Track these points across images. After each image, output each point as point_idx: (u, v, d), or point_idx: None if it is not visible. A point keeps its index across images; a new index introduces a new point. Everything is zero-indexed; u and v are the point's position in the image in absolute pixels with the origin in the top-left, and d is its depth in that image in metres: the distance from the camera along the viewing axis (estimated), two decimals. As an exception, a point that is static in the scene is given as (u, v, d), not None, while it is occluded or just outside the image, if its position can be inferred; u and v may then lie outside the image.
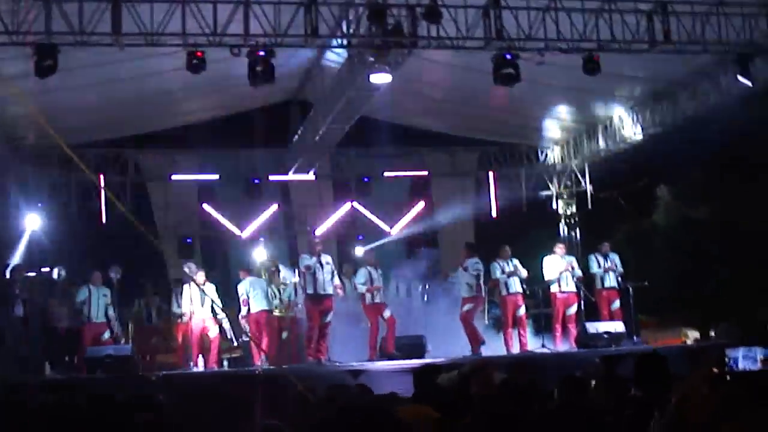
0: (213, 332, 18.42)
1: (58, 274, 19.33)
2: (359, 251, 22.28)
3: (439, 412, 6.75)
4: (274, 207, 24.66)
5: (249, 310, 18.61)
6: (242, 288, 18.85)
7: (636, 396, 6.98)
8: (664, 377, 6.87)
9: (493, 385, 7.66)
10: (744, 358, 15.96)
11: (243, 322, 18.76)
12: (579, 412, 6.30)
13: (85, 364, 17.09)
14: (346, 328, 18.78)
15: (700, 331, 21.44)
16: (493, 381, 7.96)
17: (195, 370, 18.21)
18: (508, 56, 16.42)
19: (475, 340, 18.07)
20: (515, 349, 18.49)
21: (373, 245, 23.37)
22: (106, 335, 18.83)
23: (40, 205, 22.04)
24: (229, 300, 19.30)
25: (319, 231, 24.26)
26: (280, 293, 18.99)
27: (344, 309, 18.74)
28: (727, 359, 16.01)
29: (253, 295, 18.67)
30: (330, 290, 17.44)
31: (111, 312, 18.88)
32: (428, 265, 21.97)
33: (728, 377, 8.06)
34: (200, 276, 18.66)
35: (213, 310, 18.34)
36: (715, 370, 12.52)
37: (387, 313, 18.23)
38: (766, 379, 6.38)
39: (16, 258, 20.66)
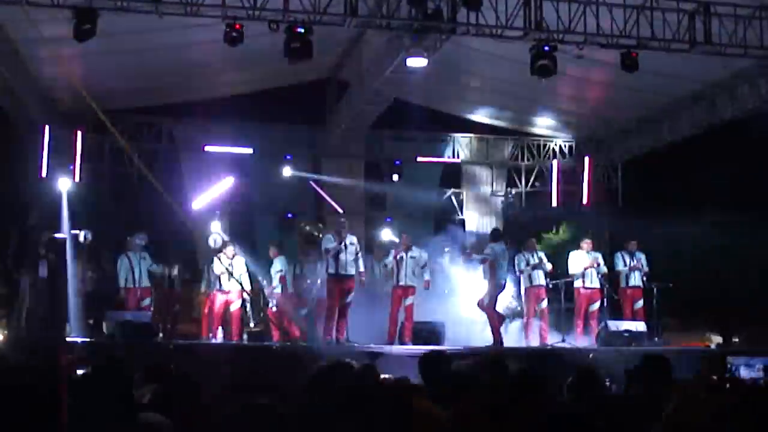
0: (235, 306, 18.49)
1: (84, 237, 19.43)
2: (386, 233, 22.20)
3: (447, 399, 6.73)
4: (305, 184, 24.65)
5: (283, 287, 18.81)
6: (279, 264, 19.01)
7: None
8: (665, 379, 6.85)
9: (505, 376, 7.63)
10: (746, 367, 15.87)
11: (273, 296, 18.90)
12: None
13: (105, 328, 17.17)
14: (370, 310, 18.75)
15: (723, 336, 21.33)
16: (507, 371, 7.92)
17: (213, 341, 18.29)
18: (546, 48, 16.35)
19: (496, 329, 17.96)
20: (534, 342, 18.44)
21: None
22: (147, 301, 18.95)
23: (71, 167, 22.13)
24: (253, 275, 19.39)
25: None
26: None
27: (371, 292, 18.77)
28: (729, 366, 15.91)
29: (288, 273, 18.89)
30: (352, 271, 17.34)
31: (156, 270, 19.07)
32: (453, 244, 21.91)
33: (728, 385, 8.00)
34: (229, 249, 18.74)
35: (240, 284, 18.41)
36: (715, 377, 12.43)
37: (408, 301, 18.18)
38: (764, 390, 6.36)
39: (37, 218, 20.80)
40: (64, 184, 21.01)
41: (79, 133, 22.54)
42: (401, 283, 18.20)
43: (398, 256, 18.32)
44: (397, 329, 18.00)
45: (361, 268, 17.63)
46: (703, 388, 5.88)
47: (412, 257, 18.42)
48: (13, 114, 20.58)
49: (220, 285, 18.50)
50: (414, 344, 17.09)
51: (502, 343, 17.73)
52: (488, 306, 18.03)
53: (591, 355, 12.23)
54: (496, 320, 18.06)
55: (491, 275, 18.06)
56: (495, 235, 19.00)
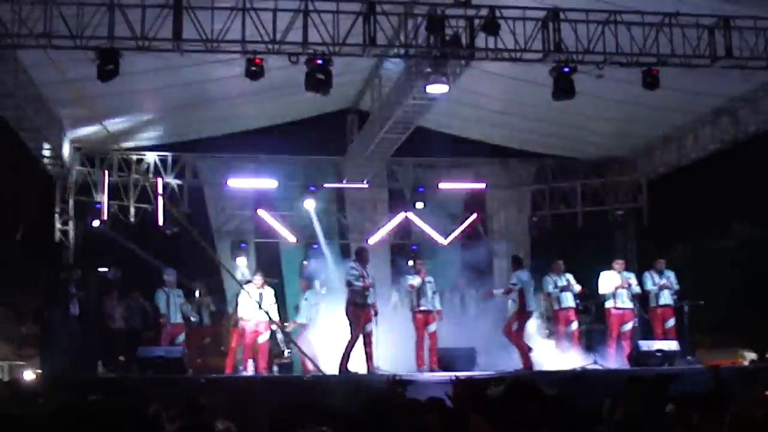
0: (263, 337, 18.52)
1: (114, 275, 19.56)
2: (411, 261, 22.21)
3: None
4: (329, 214, 24.69)
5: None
6: (313, 298, 19.13)
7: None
8: (724, 397, 6.79)
9: (534, 400, 7.58)
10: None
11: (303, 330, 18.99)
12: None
13: (137, 364, 17.22)
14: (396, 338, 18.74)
15: (757, 352, 21.17)
16: (536, 395, 7.87)
17: (244, 374, 18.29)
18: (566, 69, 16.36)
19: (524, 353, 17.89)
20: (565, 364, 18.35)
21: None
22: (181, 338, 19.04)
23: (98, 206, 22.27)
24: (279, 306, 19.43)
25: (373, 240, 24.27)
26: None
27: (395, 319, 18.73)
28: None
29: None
30: (435, 306, 18.16)
31: (187, 310, 19.17)
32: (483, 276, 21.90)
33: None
34: (258, 279, 18.81)
35: (268, 315, 18.44)
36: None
37: (431, 328, 18.14)
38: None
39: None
40: (92, 224, 21.16)
41: (106, 173, 22.67)
42: (422, 307, 18.18)
43: (417, 282, 18.34)
44: (424, 355, 17.96)
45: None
46: (758, 406, 5.75)
47: (428, 282, 18.47)
48: (40, 156, 20.72)
49: (248, 317, 18.52)
50: (444, 370, 17.02)
51: (532, 367, 17.65)
52: (516, 333, 17.96)
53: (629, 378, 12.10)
54: (525, 346, 18.00)
55: (519, 302, 18.01)
56: (518, 262, 18.95)
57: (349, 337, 16.86)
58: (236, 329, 19.01)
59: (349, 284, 16.97)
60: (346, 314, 17.01)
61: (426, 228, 24.98)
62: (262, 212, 24.11)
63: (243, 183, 24.28)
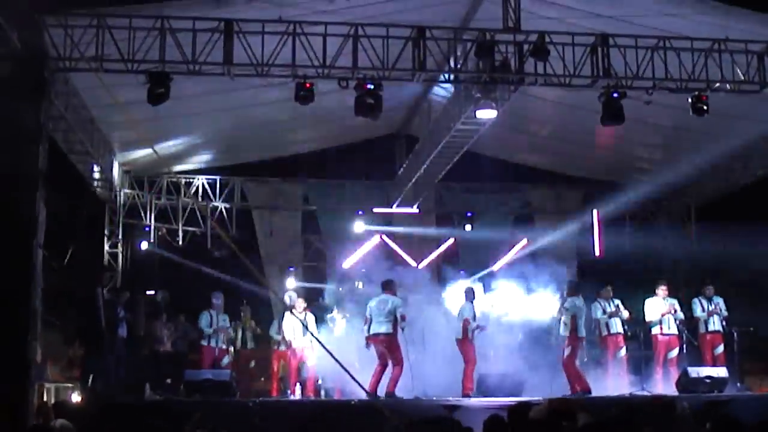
0: (311, 361, 18.53)
1: (162, 298, 19.68)
2: (462, 285, 22.16)
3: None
4: (377, 239, 24.72)
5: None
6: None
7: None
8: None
9: (575, 425, 7.60)
10: None
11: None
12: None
13: (185, 387, 17.27)
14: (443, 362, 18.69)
15: (807, 380, 20.96)
16: (577, 420, 7.89)
17: (292, 398, 18.31)
18: (615, 94, 16.33)
19: (580, 384, 17.66)
20: (614, 391, 18.22)
21: (476, 276, 23.20)
22: (226, 360, 19.09)
23: (146, 228, 22.47)
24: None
25: (422, 265, 24.28)
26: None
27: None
28: None
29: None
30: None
31: (229, 335, 19.25)
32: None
33: None
34: (300, 304, 18.82)
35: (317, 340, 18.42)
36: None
37: (472, 356, 18.08)
38: None
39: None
40: (141, 246, 21.33)
41: (154, 196, 22.87)
42: (469, 336, 18.14)
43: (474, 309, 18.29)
44: (473, 381, 17.87)
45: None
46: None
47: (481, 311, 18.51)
48: (89, 179, 20.94)
49: (293, 341, 18.54)
50: (494, 396, 16.94)
51: (588, 391, 17.43)
52: (568, 359, 17.81)
53: (686, 404, 12.03)
54: (576, 372, 17.81)
55: (573, 328, 17.86)
56: (573, 288, 18.76)
57: (398, 366, 16.77)
58: (277, 353, 19.04)
59: (403, 318, 16.81)
60: (386, 344, 16.84)
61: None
62: (310, 237, 24.22)
63: (291, 207, 24.38)
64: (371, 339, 16.75)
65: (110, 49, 14.99)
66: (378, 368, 16.72)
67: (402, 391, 16.75)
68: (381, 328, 16.70)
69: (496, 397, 16.48)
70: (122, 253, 22.59)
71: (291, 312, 18.52)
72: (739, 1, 16.63)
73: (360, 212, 24.34)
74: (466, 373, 17.80)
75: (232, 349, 19.80)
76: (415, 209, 24.48)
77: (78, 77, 16.42)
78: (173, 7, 15.29)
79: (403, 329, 16.71)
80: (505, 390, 17.20)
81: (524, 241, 25.25)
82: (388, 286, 17.15)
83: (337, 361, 15.80)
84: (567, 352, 17.70)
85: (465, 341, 18.03)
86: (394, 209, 24.48)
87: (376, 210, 24.74)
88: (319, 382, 19.10)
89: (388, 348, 16.66)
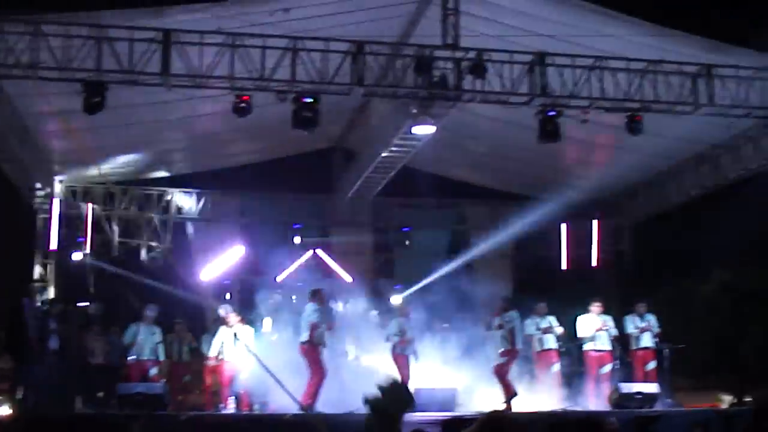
0: (244, 374, 18.39)
1: (95, 310, 19.47)
2: (395, 300, 22.23)
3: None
4: (310, 252, 24.71)
5: None
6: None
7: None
8: None
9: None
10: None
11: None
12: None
13: (117, 400, 17.09)
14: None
15: (735, 395, 21.19)
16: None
17: (225, 411, 18.18)
18: (552, 113, 16.48)
19: (508, 394, 17.88)
20: (547, 406, 18.33)
21: (407, 291, 23.29)
22: (153, 371, 18.83)
23: (81, 239, 22.24)
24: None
25: (357, 277, 24.29)
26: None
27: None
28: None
29: None
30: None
31: (160, 350, 18.96)
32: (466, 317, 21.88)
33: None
34: (233, 318, 18.70)
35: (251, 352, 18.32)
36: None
37: (406, 371, 18.11)
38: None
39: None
40: (74, 257, 21.10)
41: (90, 206, 22.65)
42: (406, 351, 18.18)
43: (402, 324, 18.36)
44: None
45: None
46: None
47: (411, 327, 18.51)
48: (23, 188, 20.70)
49: (226, 355, 18.41)
50: (426, 410, 16.94)
51: (515, 395, 17.61)
52: (500, 368, 17.92)
53: (614, 419, 12.13)
54: (510, 386, 17.95)
55: (510, 342, 17.97)
56: (509, 302, 18.92)
57: (312, 375, 16.70)
58: (209, 367, 18.90)
59: (314, 327, 16.77)
60: (306, 353, 16.82)
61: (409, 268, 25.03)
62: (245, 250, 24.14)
63: (227, 219, 24.30)
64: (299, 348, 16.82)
65: (46, 56, 14.85)
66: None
67: (335, 405, 16.75)
68: (301, 337, 16.78)
69: (429, 412, 16.51)
70: (55, 264, 22.32)
71: (224, 325, 18.41)
72: (675, 23, 16.88)
73: (296, 225, 24.31)
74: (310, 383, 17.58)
75: (162, 358, 19.54)
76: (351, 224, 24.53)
77: (12, 84, 16.23)
78: (110, 16, 15.17)
79: (317, 339, 16.72)
80: (438, 404, 17.23)
81: (458, 257, 25.35)
82: (313, 296, 17.18)
83: (271, 374, 15.76)
84: (501, 361, 17.82)
85: (395, 356, 18.07)
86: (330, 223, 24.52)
87: (311, 223, 24.72)
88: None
89: (304, 356, 16.68)
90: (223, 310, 19.21)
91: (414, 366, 18.40)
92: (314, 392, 16.46)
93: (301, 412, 15.83)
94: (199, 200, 24.59)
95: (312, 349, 16.70)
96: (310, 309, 16.93)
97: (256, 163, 24.23)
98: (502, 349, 18.15)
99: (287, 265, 24.29)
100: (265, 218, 24.54)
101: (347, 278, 23.97)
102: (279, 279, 23.98)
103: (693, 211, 23.02)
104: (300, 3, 15.92)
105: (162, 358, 18.99)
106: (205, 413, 18.06)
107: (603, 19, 16.58)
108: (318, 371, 16.63)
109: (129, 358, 18.65)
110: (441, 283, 24.18)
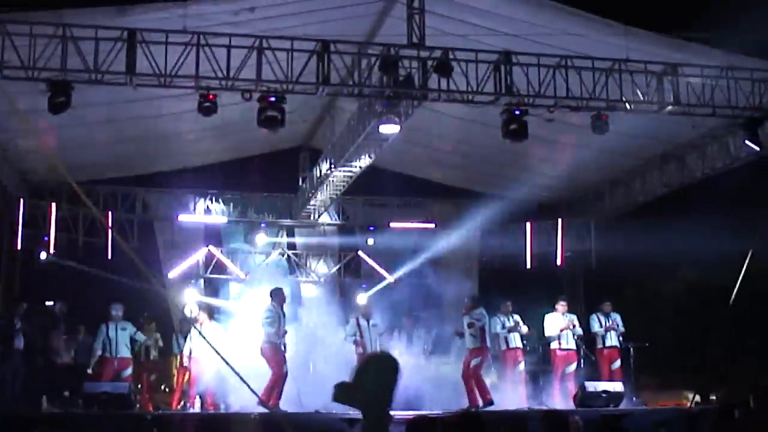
0: (209, 373, 18.33)
1: (60, 309, 19.36)
2: (361, 299, 22.24)
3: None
4: (278, 251, 24.72)
5: None
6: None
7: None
8: None
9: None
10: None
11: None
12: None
13: (83, 399, 17.01)
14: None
15: (700, 394, 21.34)
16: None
17: (191, 411, 18.13)
18: (517, 112, 16.52)
19: (483, 395, 17.76)
20: (512, 405, 18.38)
21: (372, 290, 23.36)
22: (127, 372, 18.68)
23: (45, 238, 22.13)
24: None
25: (323, 277, 24.32)
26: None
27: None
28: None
29: None
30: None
31: (140, 338, 18.91)
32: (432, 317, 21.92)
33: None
34: (202, 316, 18.67)
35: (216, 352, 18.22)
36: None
37: None
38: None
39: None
40: (39, 256, 20.97)
41: (54, 205, 22.53)
42: (368, 350, 18.16)
43: (360, 324, 18.35)
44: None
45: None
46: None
47: (373, 325, 18.49)
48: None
49: (195, 354, 18.35)
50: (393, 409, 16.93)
51: (491, 403, 17.56)
52: (475, 369, 17.89)
53: (577, 417, 12.22)
54: (484, 384, 17.93)
55: (481, 340, 17.96)
56: (477, 300, 18.91)
57: (272, 375, 16.70)
58: (182, 367, 18.86)
59: (272, 325, 16.77)
60: (264, 353, 16.84)
61: (375, 266, 25.06)
62: (213, 248, 24.11)
63: (193, 219, 24.24)
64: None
65: (10, 55, 14.75)
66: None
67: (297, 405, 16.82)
68: (262, 336, 16.79)
69: (394, 411, 16.49)
70: (20, 263, 22.19)
71: (192, 324, 18.37)
72: (640, 22, 16.96)
73: (263, 224, 24.29)
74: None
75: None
76: (317, 222, 24.56)
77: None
78: (75, 15, 15.08)
79: (274, 338, 16.74)
80: (403, 403, 17.24)
81: (425, 256, 25.41)
82: (273, 295, 17.22)
83: (237, 374, 15.73)
84: (474, 362, 17.77)
85: (358, 357, 18.07)
86: (297, 221, 24.49)
87: (278, 222, 24.71)
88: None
89: (263, 356, 16.70)
90: (189, 310, 19.18)
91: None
92: (275, 392, 16.47)
93: (267, 411, 15.82)
94: (162, 199, 24.54)
95: (270, 349, 16.73)
96: (269, 308, 16.95)
97: (222, 162, 24.19)
98: (472, 347, 18.11)
99: (253, 264, 24.33)
100: (232, 217, 24.50)
101: (314, 277, 24.01)
102: (245, 277, 24.02)
103: (658, 210, 23.13)
104: (265, 2, 15.90)
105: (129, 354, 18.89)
106: (172, 412, 18.02)
107: (568, 18, 16.62)
108: (277, 370, 16.64)
109: (106, 355, 18.54)
110: (407, 281, 24.31)
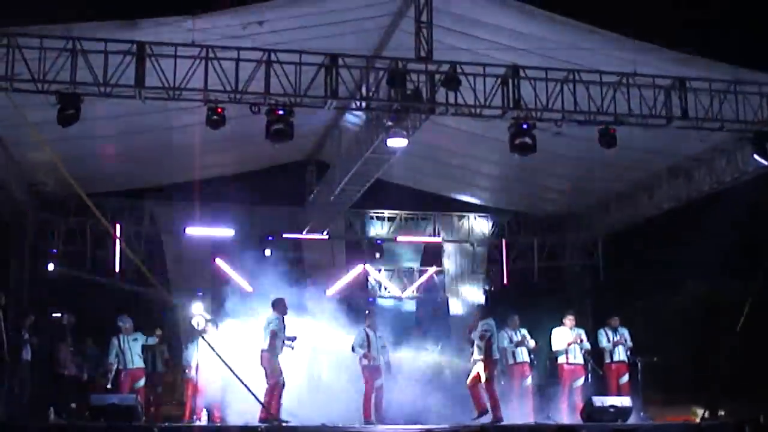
0: (216, 386, 18.34)
1: (68, 321, 19.38)
2: (368, 311, 22.21)
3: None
4: (285, 264, 24.69)
5: None
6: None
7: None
8: None
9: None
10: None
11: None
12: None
13: (89, 411, 17.01)
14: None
15: (709, 409, 21.28)
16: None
17: (197, 423, 18.14)
18: (525, 126, 16.52)
19: (494, 411, 17.65)
20: (519, 419, 18.33)
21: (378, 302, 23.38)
22: (142, 382, 18.73)
23: (54, 251, 22.17)
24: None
25: (331, 291, 24.29)
26: None
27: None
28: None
29: None
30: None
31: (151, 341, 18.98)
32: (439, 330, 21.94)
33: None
34: (211, 329, 18.69)
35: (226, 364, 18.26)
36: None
37: (379, 382, 18.08)
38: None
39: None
40: (47, 268, 21.01)
41: (63, 217, 22.58)
42: (373, 363, 18.16)
43: (369, 335, 18.34)
44: (372, 407, 17.87)
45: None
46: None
47: (379, 337, 18.48)
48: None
49: (203, 366, 18.36)
50: (396, 423, 16.98)
51: (500, 420, 17.46)
52: (486, 382, 17.80)
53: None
54: (497, 396, 17.83)
55: (488, 352, 17.89)
56: (485, 312, 18.86)
57: (271, 385, 16.74)
58: (190, 379, 18.88)
59: (274, 335, 16.86)
60: (262, 361, 16.90)
61: (383, 280, 25.07)
62: (219, 261, 24.11)
63: (201, 231, 24.25)
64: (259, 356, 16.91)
65: (21, 68, 14.81)
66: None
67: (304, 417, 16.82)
68: (261, 345, 16.87)
69: (398, 425, 16.55)
70: (28, 275, 22.22)
71: (201, 336, 18.37)
72: (648, 37, 16.96)
73: (270, 238, 24.30)
74: (365, 399, 17.71)
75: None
76: (324, 236, 24.52)
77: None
78: (85, 28, 15.13)
79: (276, 348, 16.80)
80: (407, 417, 17.27)
81: (433, 270, 25.44)
82: (274, 305, 17.27)
83: (245, 386, 15.75)
84: (484, 375, 17.65)
85: (363, 367, 18.08)
86: (304, 235, 24.46)
87: (286, 235, 24.70)
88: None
89: (263, 365, 16.74)
90: (197, 323, 19.18)
91: (386, 377, 18.36)
92: (275, 402, 16.51)
93: (274, 423, 15.82)
94: (170, 212, 24.54)
95: (267, 358, 16.78)
96: (270, 318, 17.02)
97: (230, 175, 24.22)
98: (477, 360, 18.05)
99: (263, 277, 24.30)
100: (239, 230, 24.51)
101: (321, 289, 24.00)
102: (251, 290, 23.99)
103: (666, 223, 23.10)
104: (273, 16, 15.92)
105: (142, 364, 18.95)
106: (179, 425, 18.02)
107: (575, 32, 16.64)
108: (274, 380, 16.69)
109: (119, 367, 18.59)
110: (413, 294, 24.34)
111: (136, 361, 18.69)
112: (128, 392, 18.02)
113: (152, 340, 19.10)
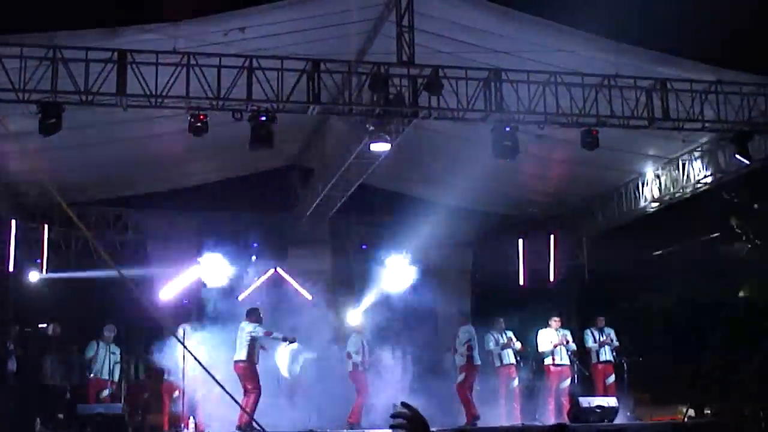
0: (202, 394, 18.28)
1: (53, 331, 19.33)
2: (354, 317, 22.22)
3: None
4: (271, 271, 24.64)
5: None
6: None
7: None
8: None
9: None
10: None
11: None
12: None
13: (76, 421, 16.98)
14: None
15: (695, 409, 21.34)
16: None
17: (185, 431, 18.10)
18: (507, 129, 16.55)
19: (469, 412, 17.90)
20: (507, 421, 18.40)
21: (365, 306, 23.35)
22: (106, 392, 18.72)
23: (38, 261, 22.10)
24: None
25: (317, 296, 24.25)
26: None
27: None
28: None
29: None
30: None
31: (117, 371, 18.90)
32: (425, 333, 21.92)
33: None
34: (196, 337, 18.63)
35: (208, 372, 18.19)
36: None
37: (364, 389, 18.17)
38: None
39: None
40: (31, 278, 20.93)
41: (46, 226, 22.51)
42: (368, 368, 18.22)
43: (363, 341, 18.42)
44: (361, 412, 17.93)
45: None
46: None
47: (367, 342, 18.54)
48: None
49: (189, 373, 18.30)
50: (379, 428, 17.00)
51: (477, 418, 17.60)
52: (460, 386, 17.96)
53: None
54: (471, 402, 17.94)
55: (468, 356, 18.01)
56: (465, 318, 19.03)
57: (250, 394, 16.77)
58: (166, 385, 18.82)
59: (253, 344, 16.97)
60: (241, 371, 16.93)
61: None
62: (200, 269, 24.02)
63: (185, 239, 24.17)
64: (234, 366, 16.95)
65: (1, 78, 14.75)
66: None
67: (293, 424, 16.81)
68: (237, 355, 16.98)
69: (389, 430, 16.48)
70: (12, 285, 22.13)
71: (181, 344, 18.31)
72: (629, 38, 17.02)
73: (255, 244, 24.24)
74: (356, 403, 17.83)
75: (116, 379, 19.41)
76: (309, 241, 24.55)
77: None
78: (66, 37, 15.09)
79: (254, 358, 16.98)
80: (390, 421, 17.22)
81: (418, 272, 25.41)
82: (249, 315, 17.35)
83: (229, 395, 15.71)
84: (460, 378, 17.84)
85: (355, 373, 18.14)
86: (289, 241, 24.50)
87: (270, 242, 24.64)
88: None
89: (241, 375, 16.74)
90: (182, 330, 19.14)
91: (373, 383, 18.40)
92: (250, 410, 16.52)
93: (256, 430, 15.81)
94: (156, 219, 24.45)
95: (248, 368, 16.83)
96: (247, 327, 17.06)
97: (214, 183, 24.18)
98: (460, 365, 18.18)
99: (247, 285, 24.24)
100: (224, 237, 24.44)
101: (307, 296, 23.94)
102: (240, 298, 23.92)
103: (650, 224, 23.16)
104: (255, 22, 15.90)
105: (116, 379, 18.92)
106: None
107: (557, 35, 16.66)
108: (255, 389, 16.72)
109: (90, 376, 18.57)
110: (399, 298, 24.30)
111: (104, 372, 18.67)
112: (93, 401, 18.04)
113: (118, 370, 19.06)
